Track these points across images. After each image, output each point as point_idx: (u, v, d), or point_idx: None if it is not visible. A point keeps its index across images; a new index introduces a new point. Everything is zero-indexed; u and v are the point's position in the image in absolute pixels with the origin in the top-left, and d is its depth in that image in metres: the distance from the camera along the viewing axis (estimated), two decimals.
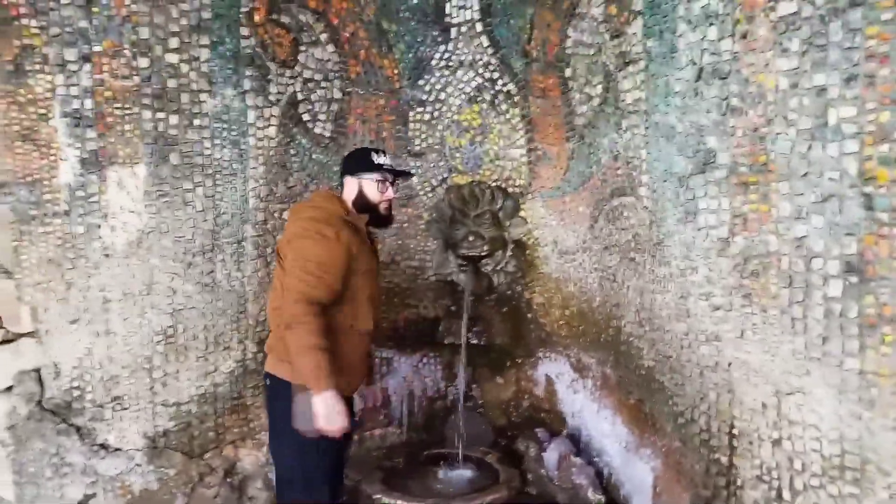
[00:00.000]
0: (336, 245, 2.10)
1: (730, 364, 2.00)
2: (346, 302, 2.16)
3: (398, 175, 2.35)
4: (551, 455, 2.95)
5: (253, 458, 3.00)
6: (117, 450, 2.66)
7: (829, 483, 1.65)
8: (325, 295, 2.07)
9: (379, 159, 2.26)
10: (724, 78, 1.95)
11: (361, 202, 2.26)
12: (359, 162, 2.28)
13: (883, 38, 1.52)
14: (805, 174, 1.68)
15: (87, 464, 2.63)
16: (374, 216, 2.28)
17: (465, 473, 3.01)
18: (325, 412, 1.97)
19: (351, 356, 2.18)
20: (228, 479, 2.93)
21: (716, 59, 1.98)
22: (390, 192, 2.30)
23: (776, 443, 1.82)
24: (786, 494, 1.79)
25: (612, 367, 2.81)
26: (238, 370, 2.90)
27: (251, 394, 2.95)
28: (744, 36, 1.85)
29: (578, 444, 3.10)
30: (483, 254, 3.31)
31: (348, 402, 2.13)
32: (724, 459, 2.04)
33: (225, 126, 2.71)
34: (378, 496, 2.68)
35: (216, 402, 2.85)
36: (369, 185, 2.25)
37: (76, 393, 2.61)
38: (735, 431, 1.99)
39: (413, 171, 3.04)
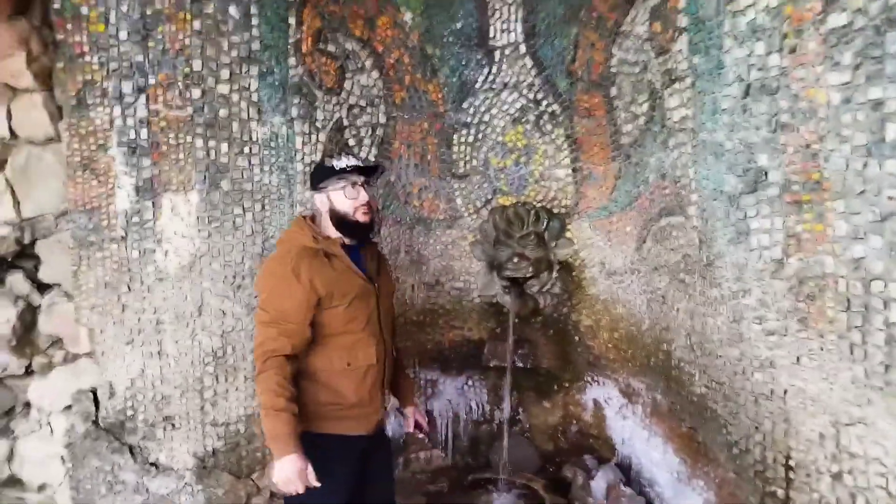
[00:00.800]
0: (295, 286, 1.92)
1: (785, 392, 1.90)
2: (332, 341, 2.00)
3: (366, 172, 2.07)
4: (599, 483, 2.86)
5: None
6: (168, 469, 2.73)
7: None
8: (288, 345, 1.91)
9: (338, 162, 2.01)
10: (773, 94, 1.88)
11: (336, 217, 2.02)
12: (317, 173, 2.07)
13: None
14: (862, 192, 1.60)
15: (139, 482, 2.70)
16: (352, 229, 2.02)
17: (510, 500, 2.95)
18: (282, 477, 1.87)
19: (355, 396, 2.04)
20: (274, 500, 2.96)
21: (764, 74, 1.91)
22: (363, 195, 2.01)
23: (836, 476, 1.71)
24: None
25: (663, 394, 2.71)
26: None
27: None
28: (792, 50, 1.78)
29: (628, 473, 3.00)
30: (528, 275, 3.27)
31: (366, 440, 2.09)
32: (780, 492, 1.93)
33: (273, 152, 2.78)
34: None
35: None
36: (337, 196, 2.01)
37: (129, 412, 2.70)
38: (791, 463, 1.88)
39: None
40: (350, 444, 2.06)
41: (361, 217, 2.02)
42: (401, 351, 2.48)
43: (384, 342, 2.12)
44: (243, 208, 2.75)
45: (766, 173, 1.94)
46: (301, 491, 1.89)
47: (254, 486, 2.88)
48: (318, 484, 1.89)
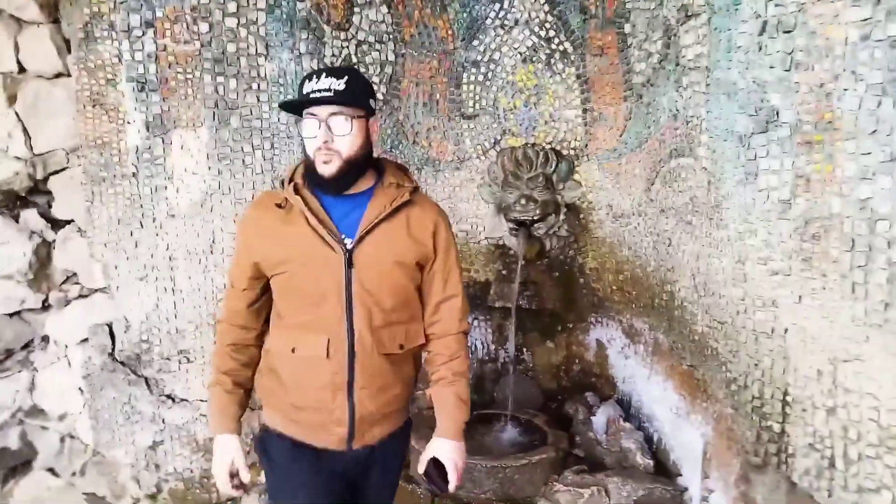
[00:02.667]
0: (238, 243, 1.66)
1: (786, 330, 1.94)
2: (281, 318, 1.63)
3: (336, 101, 1.48)
4: (599, 419, 2.95)
5: None
6: (183, 400, 2.82)
7: (885, 453, 1.60)
8: (227, 311, 1.69)
9: (306, 86, 1.51)
10: (790, 31, 1.84)
11: (307, 159, 1.57)
12: (288, 102, 1.61)
13: None
14: (873, 132, 1.59)
15: (155, 413, 2.80)
16: (314, 178, 1.55)
17: (513, 434, 3.06)
18: (212, 465, 1.66)
19: (301, 393, 1.59)
20: None
21: (781, 10, 1.87)
22: (322, 134, 1.48)
23: (831, 411, 1.76)
24: (839, 464, 1.74)
25: (665, 333, 2.76)
26: None
27: None
28: None
29: (628, 410, 3.08)
30: (535, 217, 3.28)
31: (339, 457, 1.62)
32: (776, 427, 2.00)
33: (282, 89, 2.77)
34: None
35: None
36: (304, 131, 1.53)
37: (145, 346, 2.77)
38: (788, 398, 1.94)
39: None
40: (308, 455, 1.62)
41: (320, 164, 1.50)
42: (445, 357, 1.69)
43: (352, 332, 1.54)
44: (252, 146, 2.76)
45: (777, 113, 1.93)
46: (223, 490, 1.66)
47: None
48: (245, 482, 1.65)
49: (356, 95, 1.52)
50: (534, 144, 3.36)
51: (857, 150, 1.64)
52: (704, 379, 2.45)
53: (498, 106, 3.42)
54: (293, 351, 1.59)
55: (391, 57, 3.18)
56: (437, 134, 3.42)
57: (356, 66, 3.03)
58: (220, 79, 2.66)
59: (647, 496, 2.55)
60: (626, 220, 3.07)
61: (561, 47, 3.26)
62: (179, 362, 2.78)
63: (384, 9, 3.08)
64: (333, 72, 1.52)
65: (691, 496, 2.54)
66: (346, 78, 1.51)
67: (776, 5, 1.89)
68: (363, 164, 1.58)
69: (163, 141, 2.66)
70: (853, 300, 1.67)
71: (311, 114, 1.50)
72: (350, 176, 1.56)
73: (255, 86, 2.71)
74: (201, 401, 2.82)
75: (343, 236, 1.56)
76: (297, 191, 1.59)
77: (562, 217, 3.34)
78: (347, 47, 2.99)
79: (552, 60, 3.29)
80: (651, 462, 2.71)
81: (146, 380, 2.81)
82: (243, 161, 2.76)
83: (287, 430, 1.64)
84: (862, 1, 1.59)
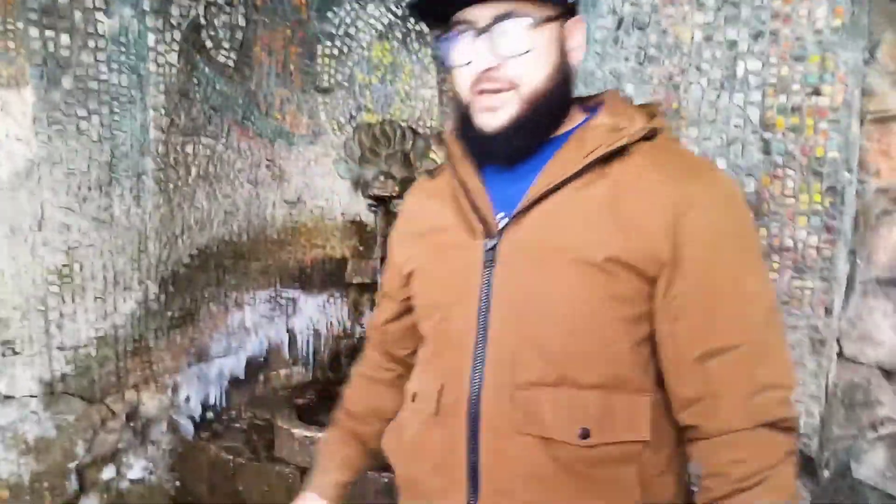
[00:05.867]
0: (391, 239, 1.16)
1: None
2: (421, 346, 1.07)
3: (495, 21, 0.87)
4: None
5: (156, 401, 2.91)
6: (8, 397, 2.48)
7: None
8: (368, 327, 1.29)
9: None
10: (644, 28, 2.07)
11: (459, 111, 0.97)
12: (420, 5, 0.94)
13: (787, 1, 1.69)
14: (713, 120, 1.86)
15: None
16: (469, 137, 0.96)
17: None
18: None
19: (407, 461, 1.03)
20: (131, 424, 2.83)
21: (636, 9, 2.09)
22: (480, 55, 0.88)
23: None
24: None
25: None
26: (139, 311, 2.76)
27: (153, 336, 2.84)
28: None
29: None
30: (394, 194, 3.32)
31: None
32: None
33: (123, 50, 2.49)
34: (300, 431, 2.70)
35: (117, 345, 2.70)
36: (452, 56, 0.93)
37: None
38: None
39: None
40: None
41: (479, 112, 0.91)
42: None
43: (478, 381, 0.90)
44: (88, 110, 2.46)
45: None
46: None
47: (108, 411, 2.73)
48: None
49: None
50: (391, 121, 3.38)
51: (699, 136, 1.90)
52: None
53: (354, 81, 3.39)
54: (413, 398, 1.03)
55: (241, 22, 3.00)
56: (290, 106, 3.31)
57: (203, 28, 2.82)
58: (50, 33, 2.33)
59: None
60: None
61: (417, 27, 3.30)
62: (3, 354, 2.43)
63: None
64: None
65: None
66: None
67: (631, 4, 2.11)
68: (559, 102, 0.92)
69: None
70: None
71: (462, 21, 0.89)
72: (536, 128, 0.91)
73: (91, 43, 2.41)
74: (30, 396, 2.50)
75: (498, 213, 0.94)
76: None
77: None
78: (195, 7, 2.77)
79: (408, 39, 3.32)
80: None
81: None
82: (77, 127, 2.45)
83: (404, 495, 1.05)
84: (706, 6, 1.84)
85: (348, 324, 3.68)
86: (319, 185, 3.48)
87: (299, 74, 3.30)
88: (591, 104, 0.99)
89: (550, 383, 0.86)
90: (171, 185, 2.80)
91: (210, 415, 3.16)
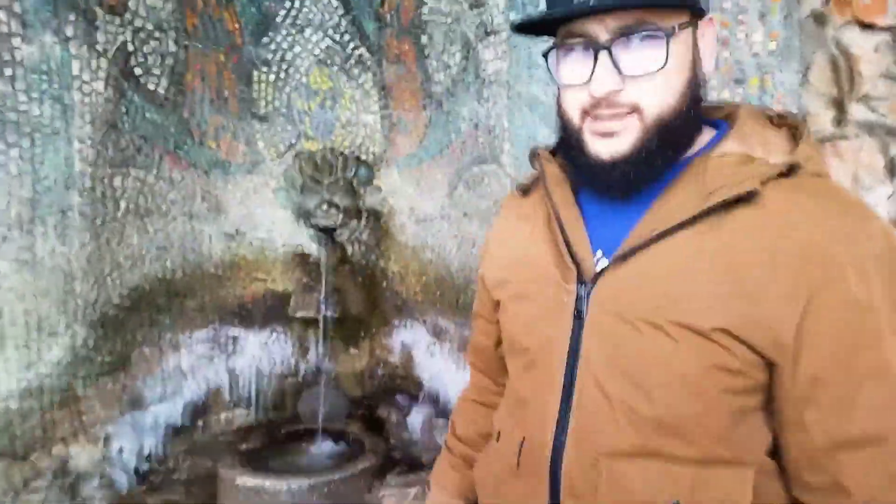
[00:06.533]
0: (482, 258, 1.08)
1: None
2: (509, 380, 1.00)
3: (618, 7, 0.72)
4: (416, 418, 3.01)
5: (87, 454, 2.69)
6: None
7: None
8: (469, 347, 1.20)
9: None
10: None
11: (564, 128, 0.84)
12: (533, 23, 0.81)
13: (724, 25, 1.75)
14: None
15: None
16: (578, 162, 0.83)
17: (329, 447, 2.97)
18: None
19: (496, 496, 0.93)
20: (59, 481, 2.59)
21: None
22: (600, 76, 0.74)
23: None
24: None
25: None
26: (67, 358, 2.56)
27: (82, 384, 2.63)
28: None
29: (436, 406, 3.19)
30: (338, 223, 3.24)
31: None
32: None
33: (45, 78, 2.33)
34: (245, 479, 2.54)
35: (42, 396, 2.49)
36: (562, 75, 0.80)
37: None
38: None
39: None
40: None
41: (594, 139, 0.79)
42: None
43: (561, 442, 0.81)
44: (7, 143, 2.27)
45: None
46: None
47: (32, 469, 2.49)
48: None
49: None
50: (332, 149, 3.30)
51: None
52: None
53: (292, 108, 3.30)
54: (497, 438, 0.95)
55: (173, 47, 2.87)
56: (226, 134, 3.19)
57: (132, 55, 2.68)
58: None
59: None
60: (429, 223, 3.18)
61: (357, 52, 3.25)
62: None
63: None
64: None
65: None
66: None
67: None
68: (688, 123, 0.79)
69: None
70: None
71: (575, 36, 0.76)
72: (662, 157, 0.78)
73: (8, 71, 2.24)
74: None
75: (596, 252, 0.83)
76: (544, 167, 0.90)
77: (363, 222, 3.34)
78: (124, 34, 2.63)
79: (348, 65, 3.27)
80: None
81: None
82: None
83: None
84: None
85: (293, 361, 3.54)
86: (259, 216, 3.35)
87: (235, 101, 3.18)
88: (718, 116, 0.85)
89: (639, 454, 0.76)
90: (99, 221, 2.62)
91: (147, 466, 2.95)
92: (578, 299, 0.81)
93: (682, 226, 0.75)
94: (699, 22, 0.79)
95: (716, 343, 0.72)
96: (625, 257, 0.78)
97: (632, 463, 0.76)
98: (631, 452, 0.77)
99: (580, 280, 0.81)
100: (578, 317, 0.81)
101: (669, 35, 0.73)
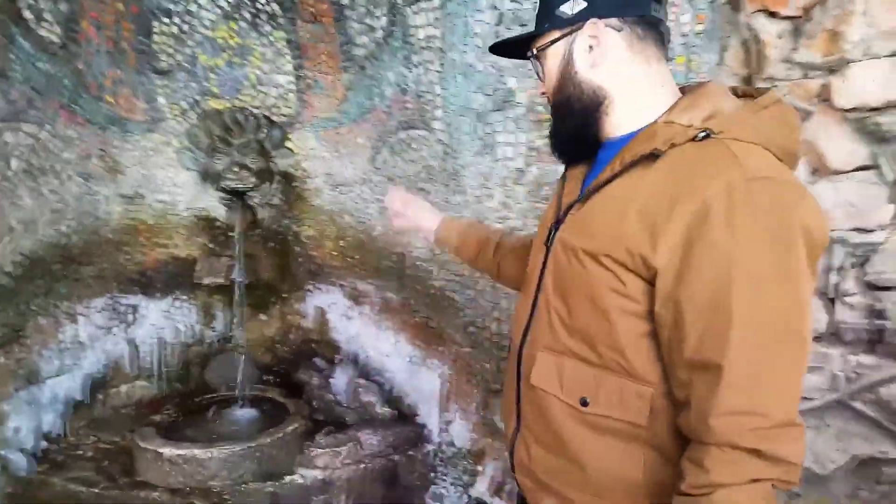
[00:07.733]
0: None
1: None
2: None
3: (508, 55, 1.26)
4: (340, 380, 3.05)
5: None
6: None
7: None
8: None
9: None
10: (525, 25, 2.20)
11: None
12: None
13: None
14: None
15: None
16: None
17: (251, 412, 2.93)
18: None
19: (504, 378, 1.26)
20: None
21: (517, 6, 2.22)
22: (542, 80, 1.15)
23: None
24: None
25: (396, 292, 2.99)
26: None
27: None
28: None
29: (356, 367, 3.25)
30: (250, 186, 3.13)
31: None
32: None
33: None
34: (169, 450, 2.45)
35: None
36: None
37: None
38: None
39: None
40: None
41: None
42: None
43: (524, 339, 1.12)
44: None
45: (514, 94, 2.29)
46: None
47: None
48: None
49: (539, 18, 1.10)
50: (242, 108, 3.17)
51: None
52: (441, 327, 2.76)
53: (196, 63, 3.11)
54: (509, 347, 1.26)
55: None
56: (124, 88, 2.95)
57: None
58: None
59: (395, 439, 2.77)
60: (348, 188, 3.17)
61: (268, 8, 3.12)
62: None
63: None
64: None
65: (430, 430, 2.85)
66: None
67: (512, 1, 2.23)
68: (586, 103, 1.05)
69: None
70: None
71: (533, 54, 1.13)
72: (564, 129, 1.11)
73: None
74: None
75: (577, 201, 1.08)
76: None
77: (275, 185, 3.26)
78: None
79: (258, 21, 3.13)
80: (390, 410, 2.94)
81: None
82: None
83: None
84: None
85: (198, 329, 3.41)
86: (160, 178, 3.16)
87: (133, 54, 2.95)
88: (693, 91, 1.04)
89: (562, 352, 1.04)
90: None
91: (46, 444, 2.74)
92: (550, 235, 1.11)
93: (611, 179, 1.00)
94: (574, 28, 1.03)
95: (607, 269, 0.96)
96: (579, 204, 1.06)
97: (556, 356, 1.05)
98: (556, 349, 1.05)
99: (556, 222, 1.10)
100: (546, 248, 1.11)
101: (537, 53, 1.10)
